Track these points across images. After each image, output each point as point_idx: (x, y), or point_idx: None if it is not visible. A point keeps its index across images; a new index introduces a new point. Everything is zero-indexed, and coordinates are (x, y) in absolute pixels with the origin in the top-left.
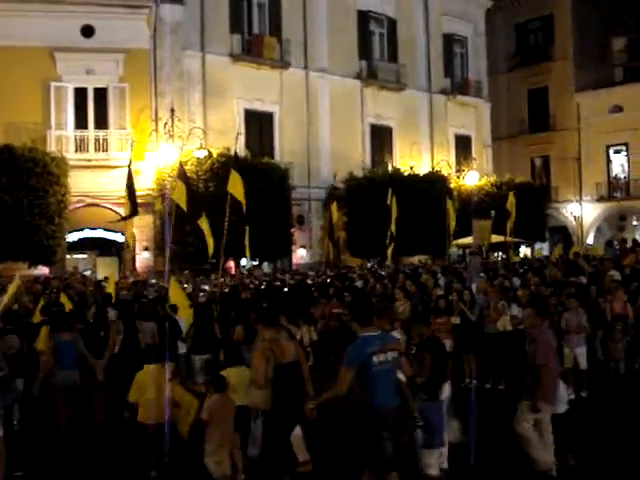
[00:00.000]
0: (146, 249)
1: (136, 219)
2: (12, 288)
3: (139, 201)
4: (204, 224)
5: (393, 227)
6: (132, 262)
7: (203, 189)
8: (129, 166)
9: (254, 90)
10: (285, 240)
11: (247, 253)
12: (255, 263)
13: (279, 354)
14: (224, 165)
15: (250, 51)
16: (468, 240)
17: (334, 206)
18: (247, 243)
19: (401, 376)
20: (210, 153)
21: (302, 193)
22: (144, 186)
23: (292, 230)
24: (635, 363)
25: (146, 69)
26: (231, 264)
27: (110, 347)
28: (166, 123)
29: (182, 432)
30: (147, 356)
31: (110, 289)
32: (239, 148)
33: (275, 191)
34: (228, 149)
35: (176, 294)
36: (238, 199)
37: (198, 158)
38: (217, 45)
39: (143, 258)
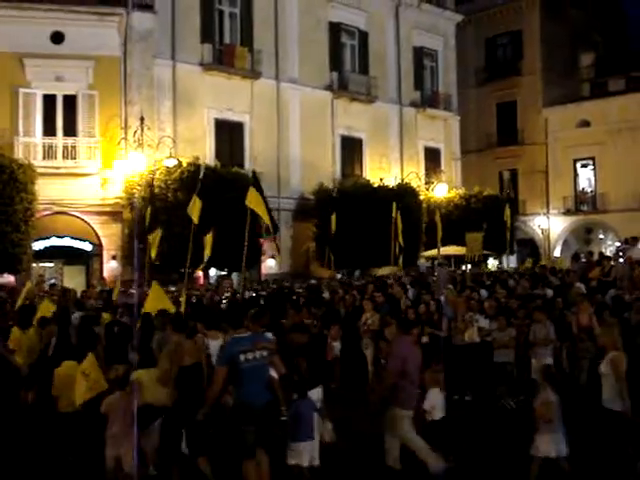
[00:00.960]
0: (114, 258)
1: (104, 228)
2: None
3: (107, 210)
4: (157, 237)
5: (401, 239)
6: (100, 271)
7: (172, 198)
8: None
9: (224, 100)
10: (254, 250)
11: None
12: (224, 273)
13: (182, 356)
14: (194, 174)
15: (221, 61)
16: (436, 252)
17: (333, 217)
18: (208, 253)
19: (273, 373)
20: (180, 162)
21: (272, 203)
22: (112, 195)
23: (261, 240)
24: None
25: (116, 77)
26: (200, 274)
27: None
28: (135, 131)
29: (75, 400)
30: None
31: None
32: (209, 158)
33: (245, 201)
34: (198, 158)
35: (156, 298)
36: (259, 213)
37: (167, 167)
38: (188, 54)
39: (111, 267)
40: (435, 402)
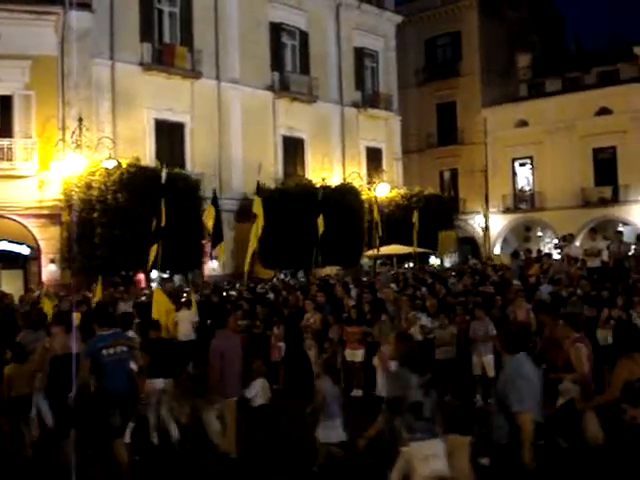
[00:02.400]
0: (52, 261)
1: (42, 231)
2: None
3: (45, 212)
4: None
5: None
6: (38, 275)
7: (112, 200)
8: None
9: (165, 100)
10: (196, 252)
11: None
12: (165, 276)
13: (55, 347)
14: (134, 176)
15: (161, 60)
16: (379, 251)
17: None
18: (154, 256)
19: (133, 366)
20: (119, 163)
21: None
22: (50, 197)
23: (203, 242)
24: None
25: (53, 77)
26: (141, 276)
27: None
28: (74, 132)
29: None
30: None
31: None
32: (149, 159)
33: (186, 202)
34: (138, 159)
35: (159, 302)
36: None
37: (107, 168)
38: (127, 53)
39: (49, 271)
40: (258, 391)
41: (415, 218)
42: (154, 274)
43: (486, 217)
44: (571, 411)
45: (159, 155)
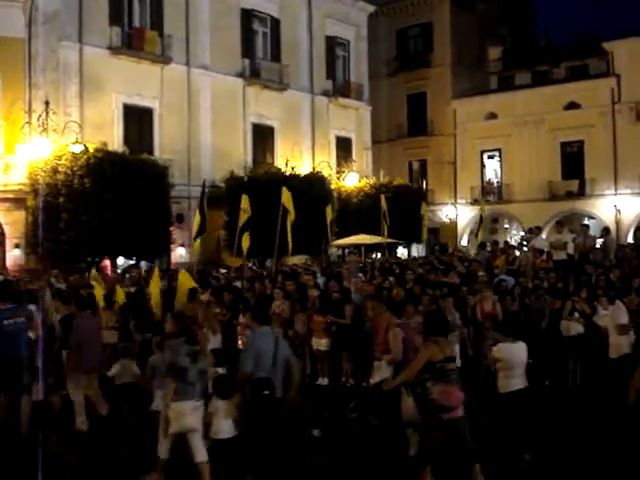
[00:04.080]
0: (17, 246)
1: (7, 215)
2: None
3: (9, 196)
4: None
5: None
6: (2, 259)
7: (78, 185)
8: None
9: (133, 84)
10: (164, 239)
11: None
12: (132, 262)
13: None
14: (101, 160)
15: (130, 44)
16: (348, 240)
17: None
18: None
19: (31, 335)
20: (86, 148)
21: (182, 191)
22: (15, 180)
23: (171, 228)
24: None
25: (20, 59)
26: (107, 263)
27: None
28: (40, 116)
29: None
30: None
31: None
32: (117, 144)
33: (154, 188)
34: (105, 144)
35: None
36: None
37: (73, 153)
38: (95, 37)
39: (14, 256)
40: (119, 370)
41: (383, 203)
42: (120, 260)
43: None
44: (384, 390)
45: (127, 140)
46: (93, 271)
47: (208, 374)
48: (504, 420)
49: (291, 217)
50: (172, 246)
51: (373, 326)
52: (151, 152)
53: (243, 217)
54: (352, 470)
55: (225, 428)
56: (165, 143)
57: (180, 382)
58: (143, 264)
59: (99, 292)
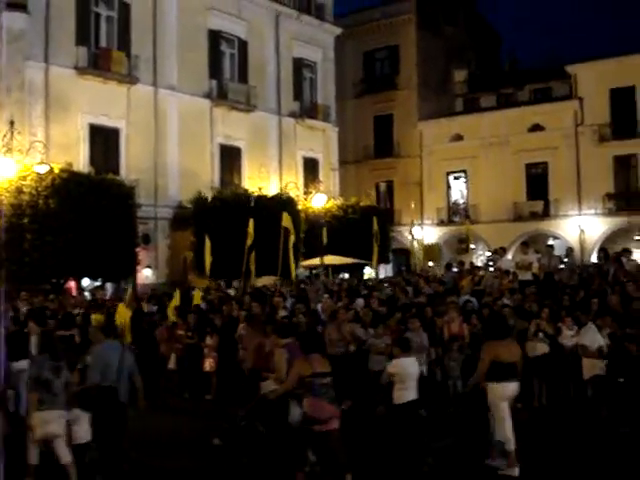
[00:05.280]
0: None
1: None
2: None
3: None
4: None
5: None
6: None
7: (43, 206)
8: None
9: (100, 105)
10: (129, 260)
11: None
12: (98, 284)
13: None
14: (66, 181)
15: (97, 65)
16: (315, 261)
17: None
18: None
19: None
20: (51, 168)
21: (148, 211)
22: None
23: (137, 249)
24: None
25: None
26: (72, 284)
27: None
28: (5, 136)
29: None
30: None
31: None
32: (82, 164)
33: (120, 209)
34: (71, 164)
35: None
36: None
37: (38, 173)
38: (62, 57)
39: None
40: None
41: (375, 225)
42: (85, 282)
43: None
44: (270, 403)
45: (93, 161)
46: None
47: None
48: (400, 428)
49: (292, 238)
50: (138, 267)
51: (255, 348)
52: (117, 172)
53: (249, 240)
54: (240, 473)
55: (82, 434)
56: (131, 163)
57: (46, 393)
58: (108, 286)
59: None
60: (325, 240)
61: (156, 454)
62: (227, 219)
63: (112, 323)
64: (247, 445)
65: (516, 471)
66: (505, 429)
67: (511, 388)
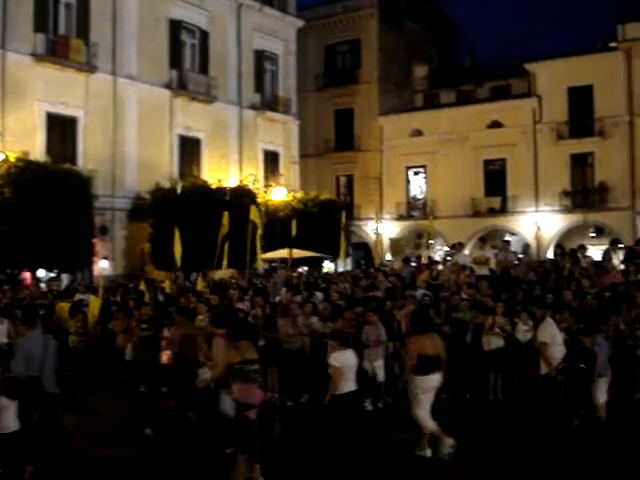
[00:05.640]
0: None
1: None
2: None
3: None
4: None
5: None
6: None
7: None
8: None
9: (57, 93)
10: (86, 251)
11: None
12: (53, 275)
13: None
14: (22, 170)
15: (55, 52)
16: (274, 255)
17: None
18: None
19: None
20: (7, 157)
21: (105, 202)
22: None
23: (94, 240)
24: None
25: None
26: (27, 275)
27: None
28: None
29: None
30: None
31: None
32: (39, 153)
33: (77, 199)
34: (27, 153)
35: None
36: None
37: None
38: (19, 43)
39: None
40: None
41: (343, 218)
42: (41, 273)
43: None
44: (203, 391)
45: (50, 150)
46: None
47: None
48: (339, 418)
49: (260, 232)
50: (95, 258)
51: (183, 338)
52: (74, 162)
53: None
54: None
55: (9, 424)
56: (89, 153)
57: None
58: (64, 277)
59: None
60: (294, 232)
61: (92, 444)
62: (186, 211)
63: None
64: (178, 434)
65: (429, 452)
66: (425, 417)
67: (435, 380)
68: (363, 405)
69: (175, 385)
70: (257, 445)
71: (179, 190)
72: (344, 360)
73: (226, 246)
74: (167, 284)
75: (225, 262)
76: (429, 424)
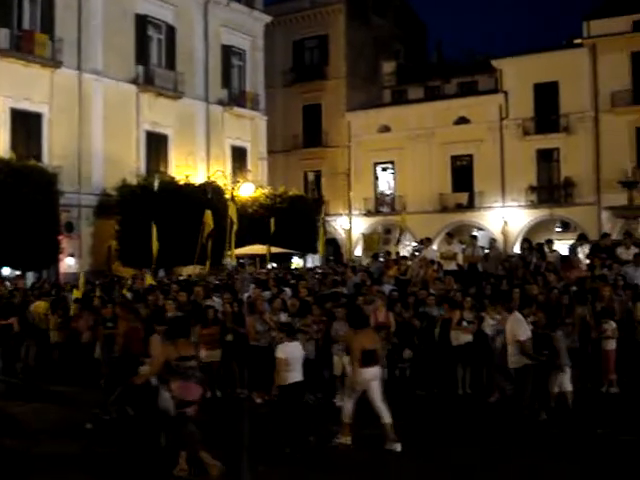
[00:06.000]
0: None
1: None
2: None
3: None
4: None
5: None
6: None
7: None
8: None
9: (22, 88)
10: (52, 248)
11: None
12: (18, 273)
13: None
14: None
15: (19, 47)
16: (242, 251)
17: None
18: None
19: None
20: None
21: (71, 199)
22: None
23: (60, 238)
24: (396, 369)
25: None
26: None
27: None
28: None
29: None
30: None
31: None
32: (3, 149)
33: (42, 196)
34: None
35: None
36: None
37: None
38: None
39: None
40: None
41: (322, 214)
42: (6, 271)
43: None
44: (141, 387)
45: (15, 146)
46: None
47: None
48: (285, 407)
49: (235, 228)
50: (60, 256)
51: (125, 333)
52: (39, 158)
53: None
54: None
55: None
56: (54, 149)
57: None
58: (29, 275)
59: None
60: (273, 229)
61: (35, 440)
62: (153, 208)
63: None
64: (117, 429)
65: (349, 440)
66: (349, 406)
67: (373, 372)
68: (333, 401)
69: (116, 379)
70: (197, 440)
71: (156, 187)
72: (290, 352)
73: (209, 243)
74: (148, 279)
75: (208, 261)
76: (349, 413)
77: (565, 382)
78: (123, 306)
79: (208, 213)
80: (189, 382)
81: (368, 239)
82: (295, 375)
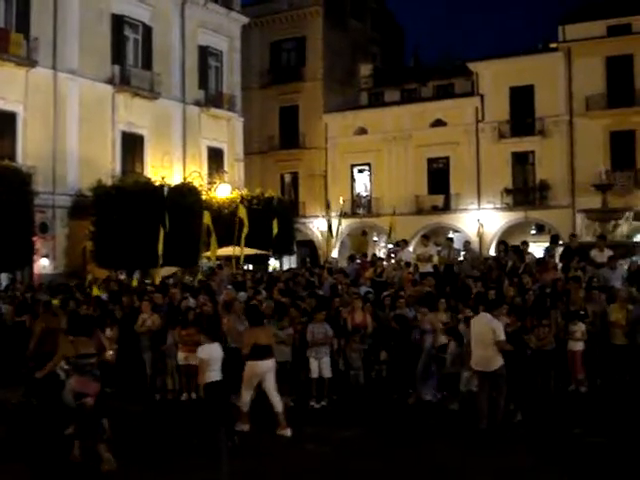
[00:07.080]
0: None
1: None
2: None
3: None
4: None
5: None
6: None
7: None
8: None
9: None
10: (26, 249)
11: None
12: None
13: None
14: None
15: None
16: (219, 252)
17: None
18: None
19: None
20: None
21: (46, 199)
22: None
23: (34, 238)
24: (372, 372)
25: None
26: None
27: None
28: None
29: None
30: None
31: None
32: None
33: (16, 196)
34: None
35: None
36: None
37: None
38: None
39: None
40: None
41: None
42: None
43: (329, 221)
44: (46, 379)
45: None
46: None
47: None
48: (207, 405)
49: (246, 230)
50: (35, 257)
51: (43, 332)
52: (13, 159)
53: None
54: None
55: None
56: (29, 149)
57: None
58: (3, 276)
59: None
60: (275, 231)
61: None
62: (128, 208)
63: None
64: (22, 420)
65: (247, 427)
66: (246, 396)
67: (266, 365)
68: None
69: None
70: (98, 428)
71: (166, 192)
72: (209, 352)
73: (213, 240)
74: (134, 282)
75: (213, 257)
76: (246, 402)
77: (472, 381)
78: (44, 306)
79: (207, 213)
80: (85, 378)
81: (356, 240)
82: (215, 374)
